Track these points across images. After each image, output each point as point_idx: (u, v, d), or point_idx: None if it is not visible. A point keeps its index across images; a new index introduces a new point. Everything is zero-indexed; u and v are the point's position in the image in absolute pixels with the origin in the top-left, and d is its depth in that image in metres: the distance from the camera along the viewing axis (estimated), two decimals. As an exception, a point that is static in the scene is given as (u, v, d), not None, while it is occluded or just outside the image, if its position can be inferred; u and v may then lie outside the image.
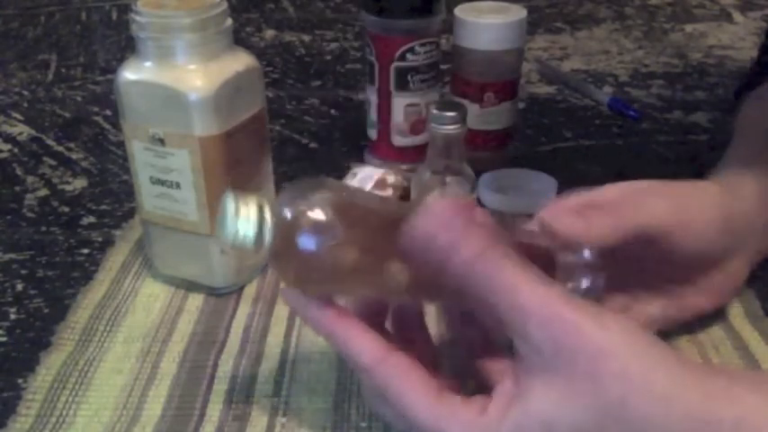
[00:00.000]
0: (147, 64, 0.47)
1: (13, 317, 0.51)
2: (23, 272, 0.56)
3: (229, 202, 0.34)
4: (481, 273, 0.32)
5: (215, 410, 0.43)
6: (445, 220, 0.32)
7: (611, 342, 0.30)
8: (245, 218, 0.33)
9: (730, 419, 0.29)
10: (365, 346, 0.34)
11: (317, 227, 0.33)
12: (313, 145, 0.75)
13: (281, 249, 0.34)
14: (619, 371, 0.30)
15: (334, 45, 1.02)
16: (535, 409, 0.31)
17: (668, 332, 0.48)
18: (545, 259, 0.36)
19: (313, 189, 0.35)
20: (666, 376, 0.30)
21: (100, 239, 0.60)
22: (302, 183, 0.35)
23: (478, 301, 0.32)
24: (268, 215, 0.34)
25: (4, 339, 0.49)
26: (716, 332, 0.48)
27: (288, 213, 0.34)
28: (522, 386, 0.32)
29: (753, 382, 0.31)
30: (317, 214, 0.33)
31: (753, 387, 0.30)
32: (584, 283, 0.36)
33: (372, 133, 0.68)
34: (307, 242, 0.33)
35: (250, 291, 0.53)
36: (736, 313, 0.50)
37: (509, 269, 0.31)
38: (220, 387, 0.45)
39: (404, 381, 0.34)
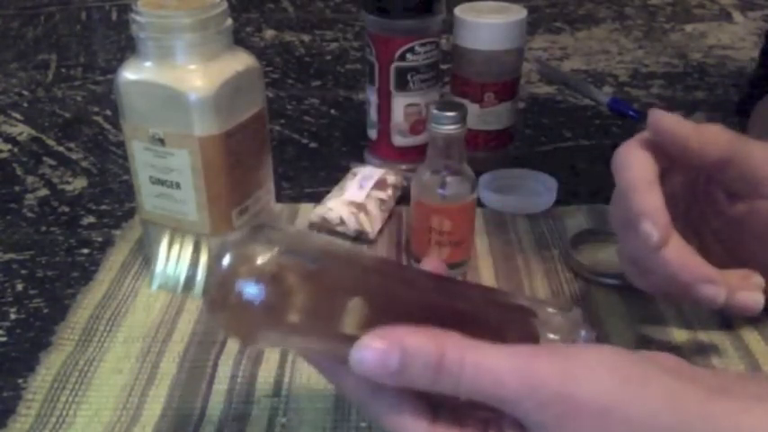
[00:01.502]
0: (147, 64, 0.47)
1: (13, 317, 0.51)
2: (23, 272, 0.56)
3: (163, 243, 0.32)
4: (448, 380, 0.30)
5: (215, 410, 0.43)
6: (384, 351, 0.30)
7: (606, 396, 0.29)
8: (176, 260, 0.31)
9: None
10: (350, 383, 0.33)
11: (256, 275, 0.30)
12: (313, 145, 0.75)
13: (216, 296, 0.31)
14: (622, 419, 0.29)
15: (334, 45, 1.02)
16: None
17: (668, 332, 0.48)
18: (520, 321, 0.35)
19: (255, 237, 0.32)
20: (668, 409, 0.29)
21: (100, 239, 0.60)
22: (249, 230, 0.33)
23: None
24: (203, 258, 0.32)
25: (4, 339, 0.49)
26: (716, 332, 0.48)
27: (226, 258, 0.31)
28: None
29: (750, 396, 0.31)
30: (258, 262, 0.31)
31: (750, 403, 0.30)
32: (582, 338, 0.35)
33: (372, 133, 0.68)
34: (244, 290, 0.30)
35: (250, 291, 0.53)
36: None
37: (472, 365, 0.30)
38: (220, 387, 0.45)
39: (393, 412, 0.32)
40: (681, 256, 0.39)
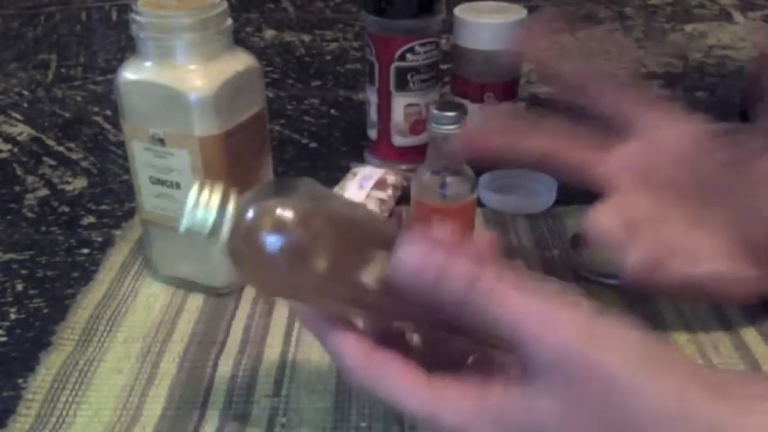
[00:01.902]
0: (147, 64, 0.47)
1: (13, 317, 0.51)
2: (23, 272, 0.56)
3: (193, 188, 0.32)
4: (476, 302, 0.31)
5: (215, 410, 0.43)
6: (429, 252, 0.31)
7: (620, 367, 0.30)
8: (206, 205, 0.32)
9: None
10: (350, 345, 0.33)
11: (280, 229, 0.31)
12: (313, 145, 0.75)
13: (240, 246, 0.32)
14: (627, 388, 0.29)
15: (334, 45, 1.02)
16: (539, 416, 0.30)
17: (668, 332, 0.48)
18: None
19: (284, 189, 0.33)
20: (676, 400, 0.29)
21: (100, 239, 0.60)
22: (275, 182, 0.34)
23: (478, 326, 0.32)
24: (231, 206, 0.32)
25: (4, 339, 0.49)
26: (716, 332, 0.48)
27: (251, 210, 0.32)
28: (526, 389, 0.31)
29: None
30: (282, 215, 0.31)
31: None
32: None
33: (372, 133, 0.68)
34: (267, 243, 0.31)
35: (250, 291, 0.53)
36: (736, 313, 0.50)
37: (502, 294, 0.31)
38: (220, 387, 0.45)
39: (391, 374, 0.33)
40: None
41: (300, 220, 0.31)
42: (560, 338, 0.30)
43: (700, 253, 0.44)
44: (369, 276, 0.32)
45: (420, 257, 0.31)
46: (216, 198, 0.32)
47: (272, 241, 0.31)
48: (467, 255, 0.32)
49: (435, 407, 0.32)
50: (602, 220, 0.44)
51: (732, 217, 0.44)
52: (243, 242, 0.32)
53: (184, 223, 0.32)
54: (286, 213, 0.31)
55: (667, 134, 0.44)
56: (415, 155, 0.65)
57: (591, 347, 0.30)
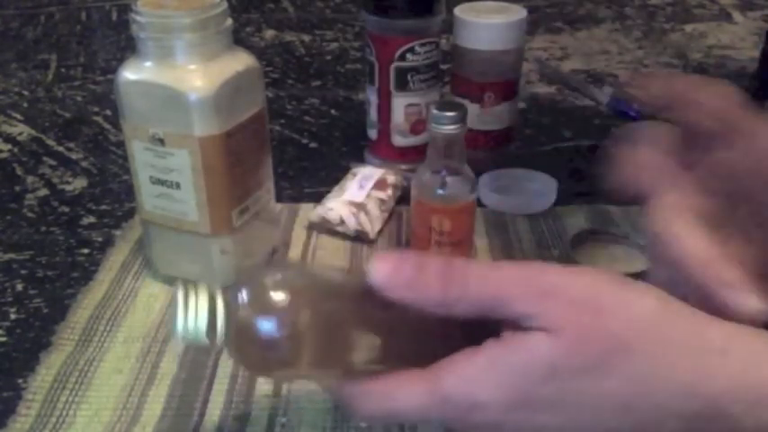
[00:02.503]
0: (147, 64, 0.47)
1: (13, 317, 0.51)
2: (23, 272, 0.56)
3: (179, 297, 0.32)
4: (456, 287, 0.31)
5: (215, 410, 0.43)
6: (402, 257, 0.32)
7: (598, 287, 0.31)
8: (195, 312, 0.32)
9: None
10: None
11: (274, 311, 0.32)
12: (313, 145, 0.75)
13: (239, 338, 0.32)
14: (626, 319, 0.31)
15: (334, 45, 1.02)
16: (541, 353, 0.31)
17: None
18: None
19: (266, 273, 0.33)
20: (655, 299, 0.31)
21: (100, 239, 0.60)
22: (254, 269, 0.34)
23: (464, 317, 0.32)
24: (220, 305, 0.32)
25: (4, 339, 0.49)
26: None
27: (243, 300, 0.32)
28: (525, 335, 0.31)
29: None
30: (274, 298, 0.32)
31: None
32: None
33: (372, 133, 0.68)
34: (265, 328, 0.32)
35: (250, 291, 0.53)
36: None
37: (480, 270, 0.32)
38: (220, 387, 0.45)
39: (383, 390, 0.33)
40: (704, 258, 0.37)
41: (293, 296, 0.32)
42: (550, 282, 0.31)
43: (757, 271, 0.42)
44: (362, 360, 0.33)
45: (394, 261, 0.32)
46: (203, 301, 0.32)
47: (269, 328, 0.32)
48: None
49: (431, 383, 0.32)
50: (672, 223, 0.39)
51: None
52: (241, 333, 0.32)
53: (179, 335, 0.32)
54: (274, 299, 0.32)
55: (762, 144, 0.43)
56: (415, 155, 0.65)
57: (574, 282, 0.31)
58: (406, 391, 0.32)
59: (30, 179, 0.69)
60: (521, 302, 0.31)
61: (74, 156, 0.74)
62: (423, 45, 0.62)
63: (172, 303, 0.32)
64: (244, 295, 0.32)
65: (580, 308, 0.31)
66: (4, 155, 0.74)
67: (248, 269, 0.34)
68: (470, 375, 0.31)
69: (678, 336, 0.31)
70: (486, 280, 0.31)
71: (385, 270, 0.31)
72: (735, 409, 0.30)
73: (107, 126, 0.80)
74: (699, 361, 0.31)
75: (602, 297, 0.31)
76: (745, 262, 0.41)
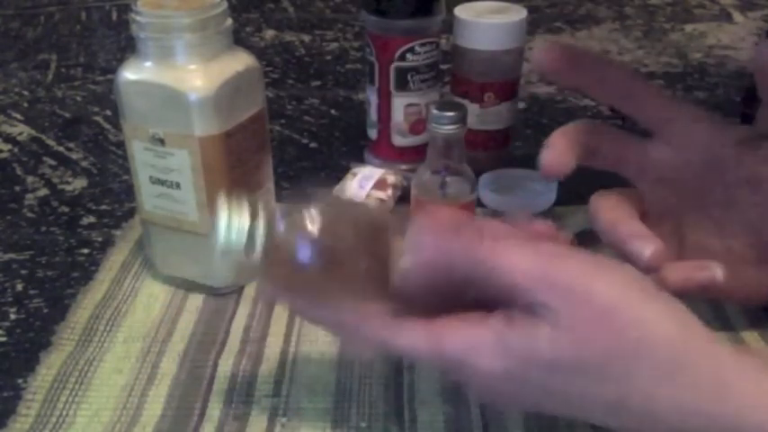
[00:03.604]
0: (147, 64, 0.47)
1: (13, 317, 0.51)
2: (23, 272, 0.56)
3: (222, 209, 0.34)
4: (481, 262, 0.32)
5: (215, 410, 0.43)
6: (438, 224, 0.34)
7: (619, 297, 0.31)
8: (237, 225, 0.34)
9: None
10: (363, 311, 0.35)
11: (310, 240, 0.34)
12: (313, 145, 0.75)
13: (274, 258, 0.35)
14: (628, 318, 0.31)
15: (334, 45, 1.02)
16: (545, 347, 0.31)
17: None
18: None
19: (307, 201, 0.35)
20: (678, 333, 0.32)
21: (100, 239, 0.60)
22: (299, 193, 0.36)
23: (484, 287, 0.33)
24: (261, 223, 0.34)
25: (4, 339, 0.49)
26: (716, 332, 0.48)
27: (282, 224, 0.34)
28: (533, 322, 0.32)
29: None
30: (311, 226, 0.34)
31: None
32: None
33: (372, 133, 0.68)
34: (300, 254, 0.34)
35: (250, 291, 0.53)
36: (736, 313, 0.50)
37: (502, 248, 0.33)
38: (220, 387, 0.45)
39: (393, 324, 0.34)
40: (616, 218, 0.43)
41: (327, 227, 0.34)
42: (564, 277, 0.31)
43: (710, 254, 0.44)
44: (390, 289, 0.34)
45: (432, 229, 0.33)
46: (245, 216, 0.34)
47: (306, 250, 0.34)
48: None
49: (434, 340, 0.33)
50: (603, 201, 0.45)
51: (752, 221, 0.44)
52: (276, 253, 0.34)
53: (220, 244, 0.34)
54: (313, 221, 0.34)
55: (700, 135, 0.44)
56: (415, 155, 0.65)
57: (593, 282, 0.31)
58: (408, 333, 0.34)
59: (30, 179, 0.69)
60: (535, 293, 0.31)
61: (74, 156, 0.74)
62: (423, 45, 0.62)
63: (216, 213, 0.34)
64: (284, 220, 0.34)
65: (594, 315, 0.31)
66: (4, 155, 0.74)
67: (294, 193, 0.37)
68: (472, 343, 0.32)
69: (688, 365, 0.31)
70: (504, 262, 0.32)
71: (426, 222, 0.34)
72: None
73: (107, 126, 0.80)
74: (702, 395, 0.31)
75: (619, 310, 0.31)
76: (723, 247, 0.43)
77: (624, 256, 0.42)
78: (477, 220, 0.36)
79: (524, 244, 0.33)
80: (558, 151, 0.43)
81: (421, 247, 0.33)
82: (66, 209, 0.65)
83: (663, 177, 0.45)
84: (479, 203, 0.60)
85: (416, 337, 0.33)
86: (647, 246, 0.41)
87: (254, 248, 0.34)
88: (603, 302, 0.31)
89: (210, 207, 0.49)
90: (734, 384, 0.31)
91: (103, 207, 0.65)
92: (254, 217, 0.34)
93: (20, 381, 0.46)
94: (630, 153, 0.45)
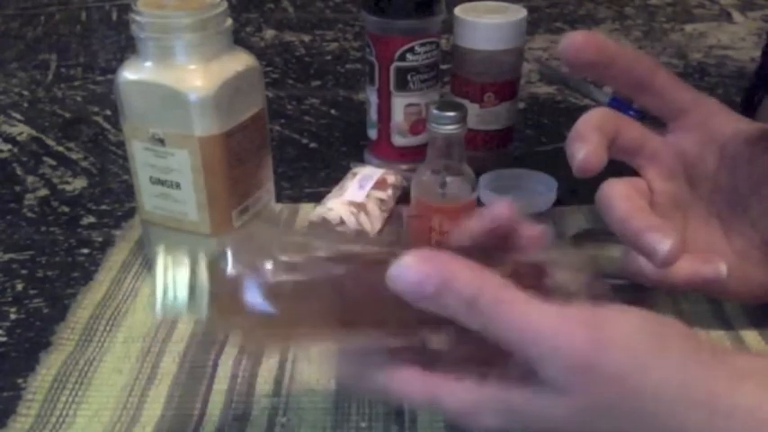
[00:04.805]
0: (147, 64, 0.47)
1: (13, 317, 0.51)
2: (23, 272, 0.56)
3: (158, 267, 0.31)
4: (480, 317, 0.30)
5: (215, 410, 0.43)
6: (429, 263, 0.30)
7: (628, 365, 0.30)
8: (177, 280, 0.31)
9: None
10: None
11: (259, 285, 0.31)
12: (313, 145, 0.75)
13: (225, 308, 0.32)
14: (634, 386, 0.30)
15: (334, 45, 1.02)
16: (550, 413, 0.31)
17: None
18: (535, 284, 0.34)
19: (254, 243, 0.33)
20: (677, 381, 0.30)
21: (100, 239, 0.60)
22: (242, 238, 0.34)
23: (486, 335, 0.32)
24: (203, 276, 0.31)
25: (4, 339, 0.49)
26: (716, 332, 0.48)
27: (230, 270, 0.31)
28: (536, 390, 0.31)
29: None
30: (259, 271, 0.31)
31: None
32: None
33: (372, 133, 0.68)
34: (252, 298, 0.31)
35: (250, 291, 0.53)
36: (736, 313, 0.50)
37: (505, 310, 0.30)
38: (220, 387, 0.45)
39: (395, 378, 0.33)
40: (631, 208, 0.41)
41: (275, 276, 0.31)
42: (568, 351, 0.30)
43: (714, 251, 0.44)
44: (351, 325, 0.33)
45: (418, 270, 0.30)
46: (183, 272, 0.31)
47: (253, 296, 0.31)
48: (468, 266, 0.31)
49: (435, 390, 0.32)
50: (616, 190, 0.43)
51: (759, 221, 0.44)
52: (228, 302, 0.31)
53: (158, 309, 0.31)
54: (262, 269, 0.31)
55: (716, 128, 0.44)
56: (415, 155, 0.65)
57: (598, 351, 0.30)
58: (405, 381, 0.33)
59: (30, 179, 0.69)
60: (541, 365, 0.30)
61: (74, 156, 0.74)
62: (423, 45, 0.62)
63: (153, 271, 0.31)
64: (228, 264, 0.31)
65: (599, 380, 0.30)
66: (4, 155, 0.74)
67: (230, 239, 0.34)
68: (469, 407, 0.32)
69: (691, 398, 0.30)
70: (509, 326, 0.30)
71: (409, 280, 0.30)
72: None
73: (107, 126, 0.80)
74: (706, 421, 0.30)
75: (628, 380, 0.30)
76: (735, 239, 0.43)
77: (637, 248, 0.41)
78: (469, 266, 0.31)
79: (528, 301, 0.30)
80: (594, 146, 0.41)
81: (411, 266, 0.30)
82: (66, 209, 0.65)
83: (675, 170, 0.44)
84: (479, 203, 0.60)
85: (412, 388, 0.33)
86: (665, 240, 0.39)
87: (196, 302, 0.31)
88: (614, 375, 0.30)
89: (211, 207, 0.49)
90: (735, 414, 0.30)
91: (103, 207, 0.65)
92: (194, 272, 0.31)
93: (20, 381, 0.46)
94: (646, 143, 0.44)
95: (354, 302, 0.33)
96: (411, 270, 0.30)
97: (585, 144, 0.41)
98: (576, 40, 0.41)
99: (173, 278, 0.31)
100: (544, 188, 0.63)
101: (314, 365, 0.46)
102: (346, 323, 0.32)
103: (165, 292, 0.31)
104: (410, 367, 0.33)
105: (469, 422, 0.32)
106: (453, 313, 0.30)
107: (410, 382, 0.33)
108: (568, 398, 0.30)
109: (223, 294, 0.31)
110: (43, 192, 0.67)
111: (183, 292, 0.31)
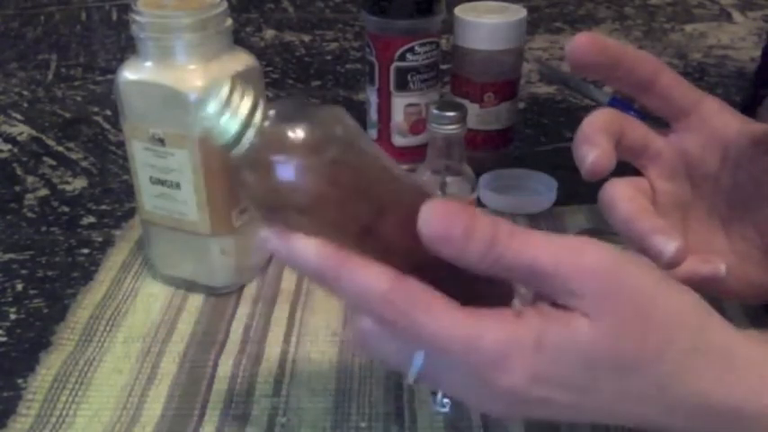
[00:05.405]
0: (147, 64, 0.47)
1: (13, 317, 0.51)
2: (23, 272, 0.56)
3: (225, 88, 0.29)
4: (506, 250, 0.30)
5: (215, 410, 0.43)
6: (455, 211, 0.30)
7: (648, 285, 0.32)
8: (233, 111, 0.29)
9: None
10: (375, 273, 0.31)
11: (297, 151, 0.29)
12: (313, 145, 0.75)
13: (255, 162, 0.30)
14: (654, 297, 0.31)
15: (334, 45, 1.02)
16: (580, 341, 0.30)
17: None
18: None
19: (312, 112, 0.30)
20: (696, 323, 0.33)
21: (100, 239, 0.60)
22: (303, 103, 0.31)
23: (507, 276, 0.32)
24: (258, 118, 0.29)
25: (4, 339, 0.49)
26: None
27: (277, 128, 0.29)
28: (566, 316, 0.31)
29: None
30: (304, 138, 0.29)
31: None
32: None
33: (372, 133, 0.68)
34: (284, 168, 0.29)
35: (250, 291, 0.53)
36: (736, 313, 0.49)
37: (528, 237, 0.31)
38: (220, 387, 0.45)
39: (424, 299, 0.31)
40: (636, 210, 0.42)
41: (319, 146, 0.29)
42: (594, 261, 0.31)
43: (714, 251, 0.44)
44: (369, 229, 0.31)
45: (446, 216, 0.30)
46: (245, 106, 0.29)
47: (287, 163, 0.29)
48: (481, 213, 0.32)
49: (474, 332, 0.30)
50: (619, 191, 0.43)
51: (760, 222, 0.44)
52: (259, 158, 0.30)
53: (206, 124, 0.30)
54: (307, 137, 0.29)
55: (720, 128, 0.44)
56: (415, 155, 0.65)
57: (620, 267, 0.31)
58: (449, 318, 0.31)
59: (30, 179, 0.69)
60: (567, 280, 0.30)
61: (74, 156, 0.74)
62: (423, 45, 0.62)
63: (222, 85, 0.30)
64: (282, 124, 0.29)
65: (626, 301, 0.31)
66: (4, 155, 0.74)
67: (295, 102, 0.32)
68: (512, 340, 0.30)
69: (710, 350, 0.33)
70: (531, 248, 0.31)
71: (436, 224, 0.30)
72: (746, 423, 0.32)
73: (107, 126, 0.80)
74: (722, 374, 0.32)
75: (652, 303, 0.31)
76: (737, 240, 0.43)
77: (642, 249, 0.41)
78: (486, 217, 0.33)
79: (542, 233, 0.31)
80: (602, 148, 0.41)
81: (440, 211, 0.30)
82: (66, 209, 0.65)
83: (677, 170, 0.44)
84: (479, 203, 0.60)
85: (456, 324, 0.30)
86: (670, 242, 0.40)
87: (237, 145, 0.29)
88: (633, 286, 0.31)
89: (211, 207, 0.49)
90: (741, 368, 0.32)
91: (103, 207, 0.65)
92: (252, 111, 0.29)
93: (20, 381, 0.46)
94: (650, 143, 0.44)
95: (386, 222, 0.31)
96: (442, 213, 0.30)
97: (594, 147, 0.41)
98: (580, 43, 0.41)
99: (238, 101, 0.29)
100: (544, 188, 0.63)
101: (314, 365, 0.46)
102: (366, 237, 0.31)
103: (220, 113, 0.29)
104: (447, 301, 0.31)
105: (501, 367, 0.30)
106: (474, 257, 0.30)
107: (449, 320, 0.31)
108: (597, 320, 0.30)
109: (266, 150, 0.29)
110: (43, 192, 0.67)
111: (234, 125, 0.29)
